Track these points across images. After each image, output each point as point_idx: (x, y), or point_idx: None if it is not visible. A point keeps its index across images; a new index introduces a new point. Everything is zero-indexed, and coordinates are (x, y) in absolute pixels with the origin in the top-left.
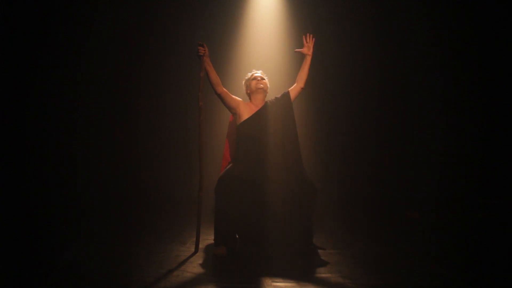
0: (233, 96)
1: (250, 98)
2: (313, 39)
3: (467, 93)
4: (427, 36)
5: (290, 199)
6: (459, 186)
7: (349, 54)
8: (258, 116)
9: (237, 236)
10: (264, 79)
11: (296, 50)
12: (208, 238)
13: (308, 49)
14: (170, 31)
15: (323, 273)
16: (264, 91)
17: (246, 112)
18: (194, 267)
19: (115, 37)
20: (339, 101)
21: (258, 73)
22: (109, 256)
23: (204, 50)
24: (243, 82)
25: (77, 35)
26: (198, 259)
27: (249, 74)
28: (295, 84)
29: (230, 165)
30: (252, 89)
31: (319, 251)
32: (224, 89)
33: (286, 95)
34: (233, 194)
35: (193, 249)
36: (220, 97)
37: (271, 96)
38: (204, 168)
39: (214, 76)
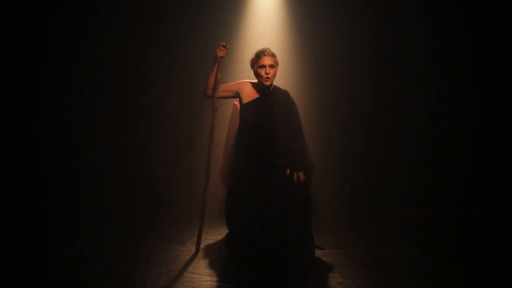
0: (231, 85)
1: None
2: None
3: (468, 93)
4: (427, 36)
5: (287, 198)
6: (459, 186)
7: (348, 54)
8: (261, 102)
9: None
10: (273, 66)
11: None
12: (208, 238)
13: None
14: (173, 31)
15: (323, 273)
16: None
17: (247, 95)
18: (194, 267)
19: (120, 38)
20: (339, 101)
21: (267, 56)
22: (109, 256)
23: (226, 52)
24: (250, 60)
25: (83, 36)
26: (198, 259)
27: (258, 54)
28: None
29: (233, 160)
30: (259, 79)
31: (319, 251)
32: (218, 89)
33: (293, 104)
34: (243, 204)
35: (193, 249)
36: (219, 98)
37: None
38: (211, 169)
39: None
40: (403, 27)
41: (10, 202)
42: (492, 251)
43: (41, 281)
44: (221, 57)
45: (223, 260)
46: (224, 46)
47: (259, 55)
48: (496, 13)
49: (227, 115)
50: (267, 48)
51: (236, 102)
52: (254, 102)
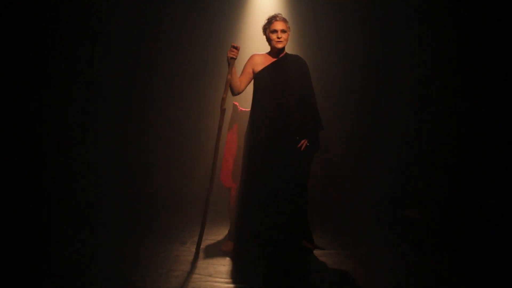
0: (244, 70)
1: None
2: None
3: (469, 92)
4: (427, 36)
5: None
6: (459, 186)
7: (348, 54)
8: (276, 66)
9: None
10: (285, 31)
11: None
12: (208, 238)
13: None
14: (174, 32)
15: (323, 273)
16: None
17: (260, 64)
18: (194, 267)
19: (122, 38)
20: (339, 101)
21: (279, 21)
22: (110, 256)
23: (236, 53)
24: (262, 26)
25: (86, 36)
26: (199, 259)
27: (269, 19)
28: None
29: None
30: (271, 43)
31: (319, 251)
32: (242, 84)
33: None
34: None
35: (193, 249)
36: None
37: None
38: (216, 171)
39: (236, 78)
40: (403, 27)
41: (11, 201)
42: (492, 251)
43: (41, 281)
44: (232, 58)
45: (224, 260)
46: (235, 48)
47: (270, 20)
48: (494, 13)
49: (228, 115)
50: (279, 14)
51: (236, 102)
52: (268, 67)
